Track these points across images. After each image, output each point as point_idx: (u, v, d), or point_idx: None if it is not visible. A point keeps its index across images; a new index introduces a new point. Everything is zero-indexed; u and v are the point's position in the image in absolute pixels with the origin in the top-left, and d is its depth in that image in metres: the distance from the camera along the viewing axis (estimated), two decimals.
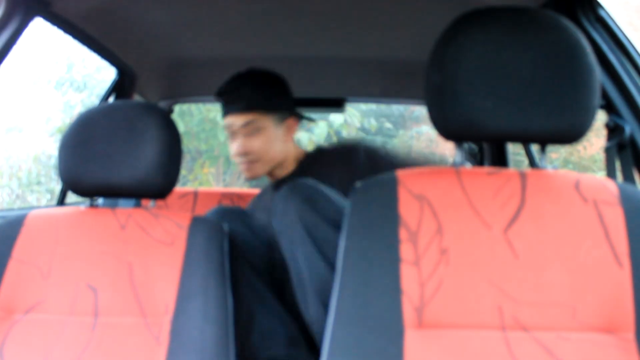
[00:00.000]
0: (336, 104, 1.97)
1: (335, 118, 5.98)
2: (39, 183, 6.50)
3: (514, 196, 0.84)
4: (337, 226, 0.93)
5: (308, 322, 1.05)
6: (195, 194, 1.94)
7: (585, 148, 6.29)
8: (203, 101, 2.17)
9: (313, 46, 1.64)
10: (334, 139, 5.73)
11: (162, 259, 0.95)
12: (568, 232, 0.81)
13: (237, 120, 1.31)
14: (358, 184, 0.88)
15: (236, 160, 1.36)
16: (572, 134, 0.82)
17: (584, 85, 0.80)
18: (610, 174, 1.08)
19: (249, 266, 1.17)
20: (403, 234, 0.82)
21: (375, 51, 1.68)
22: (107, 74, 6.14)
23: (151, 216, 0.99)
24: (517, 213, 0.82)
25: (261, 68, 1.37)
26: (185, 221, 0.99)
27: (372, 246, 0.82)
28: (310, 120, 1.50)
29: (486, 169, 0.88)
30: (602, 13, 1.13)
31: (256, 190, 1.81)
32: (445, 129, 0.85)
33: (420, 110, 7.58)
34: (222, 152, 6.08)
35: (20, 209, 2.13)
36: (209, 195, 1.94)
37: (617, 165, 1.08)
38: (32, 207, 2.30)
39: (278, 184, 1.38)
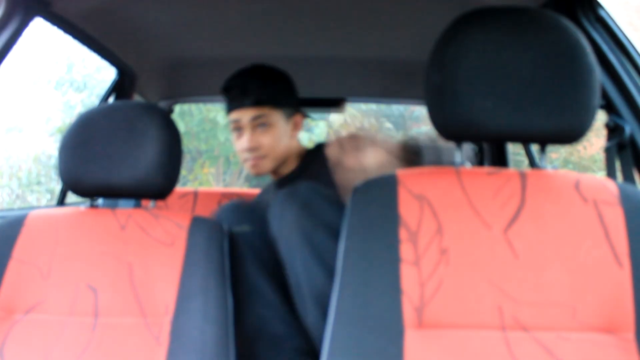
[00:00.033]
0: (336, 104, 1.97)
1: (336, 118, 5.98)
2: (39, 183, 6.50)
3: (514, 196, 0.84)
4: (336, 231, 0.91)
5: (307, 327, 1.05)
6: (195, 194, 1.94)
7: (585, 148, 6.29)
8: (203, 101, 2.17)
9: (313, 46, 1.64)
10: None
11: (162, 259, 0.95)
12: (568, 232, 0.81)
13: (245, 114, 1.30)
14: (358, 184, 0.88)
15: (242, 156, 1.34)
16: (572, 134, 0.82)
17: (584, 85, 0.80)
18: (610, 174, 1.08)
19: (260, 267, 1.15)
20: (403, 234, 0.82)
21: (375, 51, 1.68)
22: (107, 74, 6.14)
23: (151, 216, 0.99)
24: (517, 213, 0.82)
25: (267, 64, 1.37)
26: (185, 221, 0.99)
27: (372, 246, 0.82)
28: (312, 119, 1.50)
29: (486, 169, 0.88)
30: (602, 13, 1.13)
31: (256, 191, 1.81)
32: (445, 129, 0.85)
33: (420, 110, 7.58)
34: (222, 152, 6.09)
35: (20, 209, 2.13)
36: (209, 195, 1.94)
37: (617, 165, 1.08)
38: (32, 207, 2.30)
39: (281, 181, 1.38)
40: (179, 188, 1.79)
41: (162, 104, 1.98)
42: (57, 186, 5.57)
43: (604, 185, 0.84)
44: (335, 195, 1.10)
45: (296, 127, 1.38)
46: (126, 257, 0.95)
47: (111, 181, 0.96)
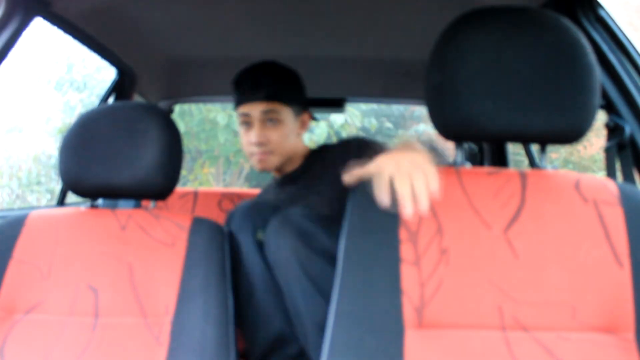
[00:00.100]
0: (336, 104, 1.97)
1: (336, 118, 5.98)
2: (39, 183, 6.50)
3: (514, 196, 0.84)
4: (332, 257, 0.91)
5: (306, 348, 1.06)
6: (195, 194, 1.94)
7: (585, 148, 6.29)
8: (203, 101, 2.17)
9: (313, 46, 1.64)
10: (334, 140, 5.73)
11: (162, 259, 0.95)
12: (568, 232, 0.81)
13: (255, 108, 1.30)
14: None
15: (249, 150, 1.33)
16: (572, 134, 0.82)
17: (584, 85, 0.80)
18: (610, 174, 1.08)
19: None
20: (403, 234, 0.82)
21: (375, 51, 1.68)
22: (107, 74, 6.15)
23: (151, 217, 0.99)
24: (517, 213, 0.82)
25: (277, 61, 1.37)
26: (186, 222, 0.99)
27: (372, 246, 0.82)
28: (314, 119, 1.51)
29: (486, 169, 0.88)
30: (602, 13, 1.13)
31: (256, 191, 1.81)
32: (445, 129, 0.85)
33: (420, 110, 7.58)
34: (222, 152, 6.08)
35: (20, 209, 2.13)
36: (209, 195, 1.94)
37: (617, 165, 1.08)
38: (32, 207, 2.30)
39: (283, 179, 1.38)
40: (179, 188, 1.79)
41: (162, 104, 1.98)
42: (57, 186, 5.58)
43: (604, 185, 0.84)
44: (327, 218, 1.09)
45: (303, 126, 1.39)
46: (126, 257, 0.95)
47: (111, 181, 0.96)
